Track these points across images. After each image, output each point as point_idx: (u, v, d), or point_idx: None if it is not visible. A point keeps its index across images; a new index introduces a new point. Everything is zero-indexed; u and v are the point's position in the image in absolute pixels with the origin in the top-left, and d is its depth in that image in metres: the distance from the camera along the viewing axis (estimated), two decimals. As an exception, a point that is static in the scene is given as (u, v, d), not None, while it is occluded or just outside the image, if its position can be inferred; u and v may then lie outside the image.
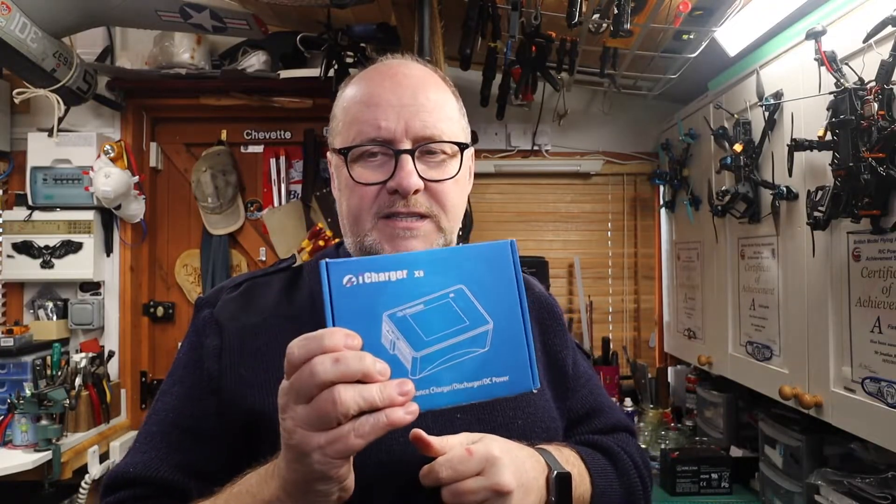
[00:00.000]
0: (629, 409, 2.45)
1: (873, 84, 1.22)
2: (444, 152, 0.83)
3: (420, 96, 0.82)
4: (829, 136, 1.32)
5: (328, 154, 0.90)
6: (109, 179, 2.41)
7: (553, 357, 0.94)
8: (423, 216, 0.81)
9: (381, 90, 0.82)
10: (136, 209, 2.61)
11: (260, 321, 0.83)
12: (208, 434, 0.79)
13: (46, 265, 2.50)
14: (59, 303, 2.56)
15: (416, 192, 0.80)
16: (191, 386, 0.82)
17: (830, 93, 1.33)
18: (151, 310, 2.74)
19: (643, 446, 2.30)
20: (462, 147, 0.84)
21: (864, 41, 1.24)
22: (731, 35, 1.91)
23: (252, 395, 0.78)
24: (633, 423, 1.04)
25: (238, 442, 0.79)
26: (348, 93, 0.86)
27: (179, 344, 0.89)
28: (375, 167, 0.81)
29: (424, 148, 0.81)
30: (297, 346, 0.58)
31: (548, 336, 0.95)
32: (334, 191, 0.90)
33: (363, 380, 0.56)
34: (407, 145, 0.80)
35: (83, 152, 2.52)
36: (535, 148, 2.78)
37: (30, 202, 2.52)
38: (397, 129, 0.80)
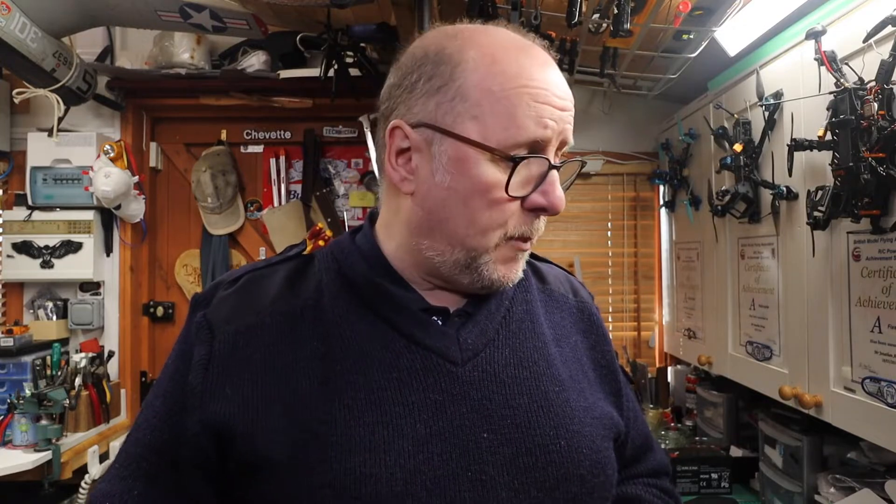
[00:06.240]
0: (629, 409, 2.45)
1: (873, 84, 1.22)
2: None
3: (570, 95, 0.72)
4: (829, 136, 1.32)
5: (411, 130, 0.70)
6: (109, 179, 2.40)
7: (607, 367, 0.85)
8: None
9: (545, 80, 0.69)
10: (136, 209, 2.61)
11: (255, 322, 0.72)
12: (187, 462, 0.70)
13: (46, 265, 2.50)
14: (58, 303, 2.56)
15: None
16: (172, 403, 0.72)
17: (830, 93, 1.32)
18: (151, 310, 2.74)
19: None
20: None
21: (864, 41, 1.24)
22: (731, 35, 1.91)
23: (234, 415, 0.67)
24: (669, 462, 0.97)
25: (222, 471, 0.70)
26: (498, 69, 0.68)
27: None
28: (523, 178, 0.69)
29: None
30: None
31: (597, 350, 0.86)
32: (411, 185, 0.72)
33: None
34: (553, 157, 0.70)
35: (83, 152, 2.51)
36: (535, 148, 2.77)
37: (30, 202, 2.51)
38: (555, 135, 0.69)
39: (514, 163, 0.67)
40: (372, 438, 0.65)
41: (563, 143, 0.71)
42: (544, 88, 0.68)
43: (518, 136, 0.67)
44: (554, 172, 0.70)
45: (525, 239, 0.72)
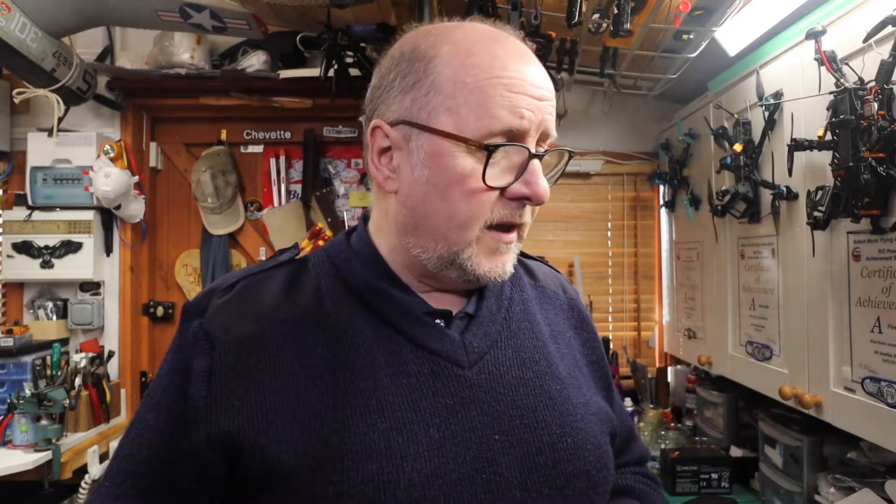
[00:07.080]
0: (629, 409, 2.45)
1: (873, 84, 1.22)
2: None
3: (549, 86, 0.70)
4: (829, 136, 1.32)
5: (391, 129, 0.71)
6: (109, 179, 2.40)
7: (598, 362, 0.87)
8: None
9: (520, 70, 0.68)
10: (136, 209, 2.61)
11: (255, 331, 0.70)
12: (187, 477, 0.68)
13: (46, 265, 2.50)
14: (58, 303, 2.56)
15: None
16: (168, 418, 0.69)
17: (830, 93, 1.33)
18: (151, 310, 2.74)
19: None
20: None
21: (864, 41, 1.24)
22: (731, 35, 1.91)
23: (244, 428, 0.66)
24: (648, 449, 1.03)
25: (227, 485, 0.68)
26: (471, 62, 0.68)
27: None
28: (503, 168, 0.68)
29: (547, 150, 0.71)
30: None
31: (588, 346, 0.87)
32: (394, 183, 0.72)
33: None
34: (534, 146, 0.69)
35: (83, 152, 2.51)
36: (535, 148, 2.77)
37: (30, 202, 2.51)
38: (532, 125, 0.68)
39: (487, 151, 0.67)
40: (387, 445, 0.65)
41: (545, 135, 0.71)
42: (519, 78, 0.68)
43: (492, 126, 0.66)
44: (536, 162, 0.69)
45: (507, 229, 0.71)
